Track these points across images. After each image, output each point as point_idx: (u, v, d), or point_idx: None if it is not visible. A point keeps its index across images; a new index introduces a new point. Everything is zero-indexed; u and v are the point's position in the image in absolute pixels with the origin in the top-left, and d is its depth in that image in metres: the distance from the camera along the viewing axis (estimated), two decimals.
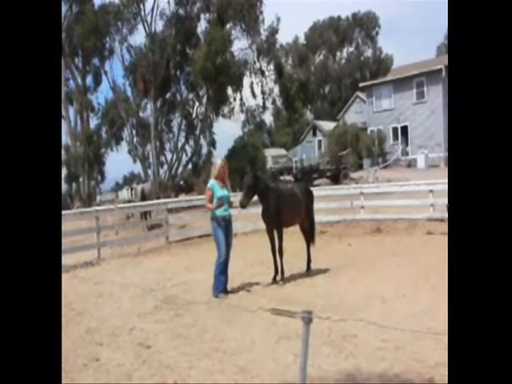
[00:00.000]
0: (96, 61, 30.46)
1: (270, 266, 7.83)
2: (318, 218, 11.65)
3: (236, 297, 6.83)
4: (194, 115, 29.95)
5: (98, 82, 31.82)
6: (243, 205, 7.11)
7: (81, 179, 30.85)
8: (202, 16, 28.00)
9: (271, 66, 29.33)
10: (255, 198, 7.51)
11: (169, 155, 29.80)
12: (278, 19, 28.02)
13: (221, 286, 6.90)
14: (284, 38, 64.78)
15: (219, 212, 6.93)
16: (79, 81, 31.16)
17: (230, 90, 28.63)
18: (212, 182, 7.00)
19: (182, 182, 31.20)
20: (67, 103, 30.40)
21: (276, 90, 30.17)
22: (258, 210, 7.77)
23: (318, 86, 58.24)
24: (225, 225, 6.98)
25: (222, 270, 6.91)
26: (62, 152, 29.49)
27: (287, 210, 7.66)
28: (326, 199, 14.07)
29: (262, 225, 7.84)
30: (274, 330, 5.25)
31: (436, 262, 7.49)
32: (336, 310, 5.73)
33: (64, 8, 28.85)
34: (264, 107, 31.03)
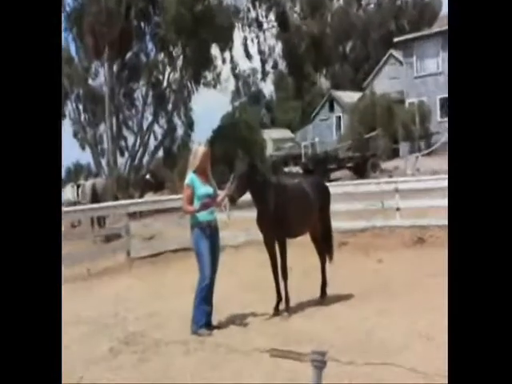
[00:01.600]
0: None
1: (270, 291, 7.84)
2: (337, 224, 11.65)
3: (224, 334, 6.85)
4: (164, 84, 30.02)
5: None
6: (233, 199, 7.13)
7: None
8: None
9: (272, 16, 29.47)
10: (248, 197, 7.50)
11: (131, 139, 29.91)
12: None
13: (203, 319, 6.92)
14: None
15: (203, 216, 6.95)
16: None
17: (214, 49, 28.69)
18: (191, 177, 7.01)
19: (148, 176, 31.20)
20: None
21: (278, 48, 30.35)
22: (253, 213, 7.78)
23: (336, 42, 58.23)
24: (210, 234, 7.00)
25: (206, 296, 6.92)
26: None
27: (294, 213, 7.67)
28: (347, 198, 14.07)
29: (259, 234, 7.85)
30: (275, 378, 5.27)
31: None
32: (361, 352, 5.75)
33: None
34: (263, 73, 31.19)
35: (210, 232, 7.02)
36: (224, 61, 29.40)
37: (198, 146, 7.33)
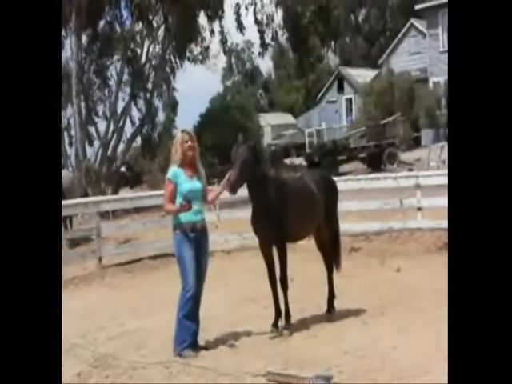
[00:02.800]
0: None
1: (268, 305, 7.85)
2: (347, 226, 11.67)
3: (213, 355, 6.84)
4: (143, 59, 29.94)
5: None
6: (234, 189, 7.11)
7: None
8: None
9: None
10: (241, 194, 7.49)
11: (102, 124, 29.83)
12: None
13: (188, 338, 6.92)
14: None
15: (187, 216, 6.95)
16: None
17: (202, 18, 28.62)
18: (174, 170, 7.00)
19: (124, 169, 31.19)
20: None
21: (278, 17, 30.20)
22: (247, 213, 7.78)
23: (346, 10, 58.22)
24: (195, 237, 7.00)
25: (190, 311, 6.91)
26: None
27: (295, 213, 7.67)
28: (359, 196, 14.08)
29: (255, 237, 7.85)
30: None
31: None
32: (377, 376, 5.79)
33: None
34: (263, 45, 31.04)
35: (196, 235, 6.99)
36: (213, 32, 29.28)
37: (180, 133, 7.24)
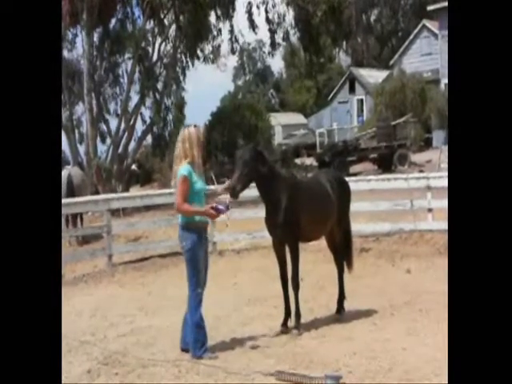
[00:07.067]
0: None
1: (278, 305, 7.85)
2: (358, 227, 11.66)
3: (222, 354, 6.85)
4: (154, 57, 29.93)
5: None
6: (235, 192, 7.06)
7: None
8: None
9: None
10: (250, 193, 7.50)
11: (114, 122, 29.79)
12: None
13: (206, 340, 6.82)
14: None
15: (200, 217, 6.93)
16: None
17: (213, 17, 28.59)
18: (188, 168, 6.81)
19: (134, 167, 31.20)
20: None
21: (290, 16, 30.13)
22: (259, 212, 7.79)
23: (358, 10, 58.05)
24: (205, 237, 7.05)
25: (201, 312, 6.90)
26: None
27: (311, 213, 7.70)
28: (370, 197, 14.05)
29: (264, 237, 7.86)
30: None
31: None
32: (386, 377, 5.78)
33: None
34: (272, 46, 30.98)
35: (205, 235, 7.05)
36: (223, 31, 29.22)
37: (194, 128, 6.91)
